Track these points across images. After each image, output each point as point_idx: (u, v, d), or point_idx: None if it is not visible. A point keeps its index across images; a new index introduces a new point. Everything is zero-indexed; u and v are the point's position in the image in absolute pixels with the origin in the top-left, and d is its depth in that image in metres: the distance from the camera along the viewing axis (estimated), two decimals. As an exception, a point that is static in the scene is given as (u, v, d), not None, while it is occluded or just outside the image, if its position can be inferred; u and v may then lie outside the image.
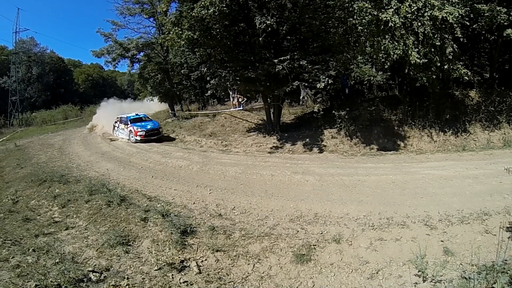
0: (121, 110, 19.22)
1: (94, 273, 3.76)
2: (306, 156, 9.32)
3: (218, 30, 9.70)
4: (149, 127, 13.97)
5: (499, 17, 7.77)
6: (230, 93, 16.41)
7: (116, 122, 15.49)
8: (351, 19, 8.29)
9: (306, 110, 13.46)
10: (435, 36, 7.44)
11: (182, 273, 3.97)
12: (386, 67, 9.44)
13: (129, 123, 14.31)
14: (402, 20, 7.41)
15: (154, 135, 13.77)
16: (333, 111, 10.40)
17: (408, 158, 8.27)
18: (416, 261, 3.70)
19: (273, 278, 4.03)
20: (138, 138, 13.42)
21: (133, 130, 13.68)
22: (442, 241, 4.32)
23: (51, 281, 3.44)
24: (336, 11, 9.25)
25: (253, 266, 4.24)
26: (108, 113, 19.38)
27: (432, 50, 7.61)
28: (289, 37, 10.72)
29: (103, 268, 3.94)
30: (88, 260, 4.15)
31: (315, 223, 5.08)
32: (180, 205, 6.05)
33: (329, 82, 9.41)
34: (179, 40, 9.28)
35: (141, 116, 15.18)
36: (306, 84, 10.20)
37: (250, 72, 9.86)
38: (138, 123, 14.23)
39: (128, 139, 14.05)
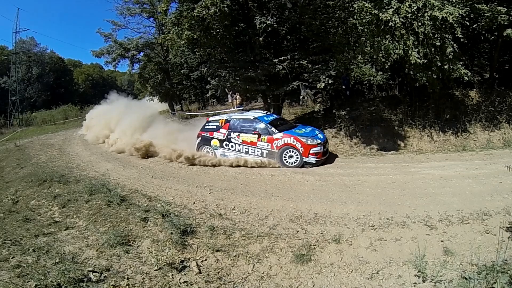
0: (126, 111, 14.01)
1: (94, 273, 3.76)
2: (306, 156, 9.30)
3: (218, 30, 9.70)
4: (321, 136, 8.20)
5: (499, 17, 7.77)
6: (228, 94, 16.40)
7: (210, 130, 8.77)
8: (351, 19, 8.30)
9: (306, 110, 13.46)
10: (435, 36, 7.44)
11: (182, 273, 3.97)
12: (386, 67, 9.42)
13: (270, 129, 8.05)
14: (402, 20, 7.41)
15: (327, 152, 8.34)
16: (333, 111, 10.40)
17: (408, 158, 8.28)
18: (416, 261, 3.70)
19: (273, 278, 4.03)
20: (313, 160, 7.63)
21: (299, 145, 7.62)
22: (442, 241, 4.32)
23: (51, 281, 3.44)
24: (336, 11, 9.25)
25: (253, 266, 4.24)
26: (119, 112, 13.82)
27: (432, 50, 7.61)
28: (289, 37, 10.74)
29: (103, 268, 3.94)
30: (88, 260, 4.15)
31: (315, 223, 5.08)
32: (180, 205, 6.05)
33: (329, 82, 9.44)
34: (179, 40, 9.29)
35: (275, 116, 9.03)
36: (306, 84, 10.22)
37: (250, 72, 9.87)
38: (292, 130, 8.17)
39: (267, 162, 7.92)
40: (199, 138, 9.02)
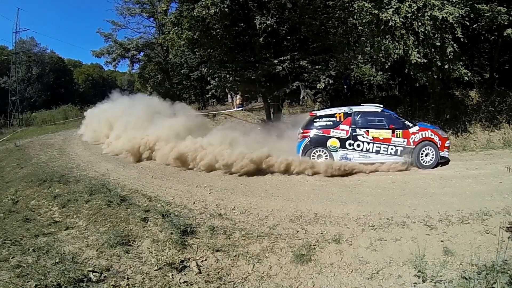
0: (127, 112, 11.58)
1: (94, 273, 3.75)
2: (306, 156, 9.29)
3: (218, 30, 9.70)
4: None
5: (499, 17, 7.77)
6: (229, 94, 16.40)
7: (323, 127, 7.19)
8: (351, 19, 8.31)
9: (306, 110, 13.46)
10: (436, 36, 7.45)
11: (182, 273, 3.97)
12: (386, 67, 9.43)
13: (405, 122, 7.04)
14: (402, 20, 7.42)
15: None
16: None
17: (408, 158, 8.25)
18: (416, 261, 3.69)
19: (273, 278, 4.03)
20: (446, 154, 7.03)
21: (437, 139, 6.88)
22: (442, 241, 4.32)
23: (51, 281, 3.44)
24: (336, 11, 9.27)
25: (253, 266, 4.24)
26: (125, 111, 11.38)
27: (433, 50, 7.62)
28: (289, 37, 10.74)
29: (103, 268, 3.94)
30: (88, 260, 4.15)
31: (315, 223, 5.08)
32: (180, 205, 6.05)
33: (329, 82, 9.44)
34: (179, 40, 9.30)
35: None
36: (306, 84, 10.22)
37: (251, 72, 9.86)
38: (422, 123, 7.45)
39: (403, 162, 6.83)
40: (306, 139, 7.22)
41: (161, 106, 11.46)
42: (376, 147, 6.94)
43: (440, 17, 7.14)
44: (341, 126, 7.11)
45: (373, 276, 3.92)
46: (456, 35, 7.38)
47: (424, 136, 6.85)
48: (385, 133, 6.91)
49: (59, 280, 3.45)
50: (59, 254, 4.14)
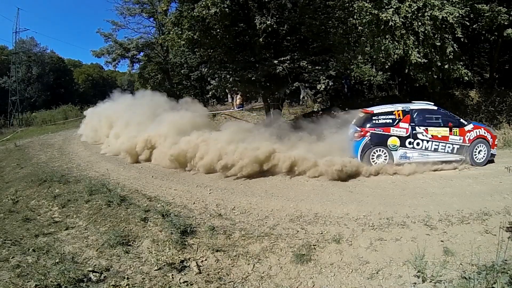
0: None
1: (94, 273, 3.75)
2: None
3: (218, 31, 9.70)
4: None
5: (499, 17, 7.78)
6: (229, 94, 16.41)
7: (383, 125, 6.91)
8: (351, 19, 8.31)
9: (306, 110, 13.47)
10: (436, 36, 7.45)
11: (182, 273, 3.97)
12: (386, 67, 9.44)
13: (460, 120, 7.10)
14: (402, 20, 7.42)
15: None
16: (332, 112, 10.40)
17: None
18: (416, 261, 3.69)
19: (273, 278, 4.03)
20: (495, 151, 7.28)
21: (489, 136, 7.10)
22: (442, 241, 4.33)
23: (51, 281, 3.44)
24: (336, 11, 9.26)
25: (253, 266, 4.24)
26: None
27: (433, 50, 7.62)
28: (289, 37, 10.73)
29: (103, 268, 3.94)
30: (88, 260, 4.15)
31: (315, 223, 5.08)
32: (180, 205, 6.05)
33: (329, 84, 9.42)
34: (179, 40, 9.29)
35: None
36: (306, 85, 10.22)
37: (251, 73, 9.86)
38: (472, 121, 7.56)
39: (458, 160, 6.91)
40: (365, 138, 6.89)
41: (164, 102, 10.88)
42: (435, 145, 6.85)
43: (440, 17, 7.14)
44: (401, 124, 6.90)
45: (373, 276, 3.92)
46: (456, 35, 7.38)
47: (478, 134, 6.95)
48: (443, 131, 6.86)
49: (59, 280, 3.45)
50: (59, 254, 4.13)
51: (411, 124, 6.90)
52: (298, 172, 6.98)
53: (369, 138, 6.89)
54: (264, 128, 8.73)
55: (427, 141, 6.85)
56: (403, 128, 6.88)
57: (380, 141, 6.87)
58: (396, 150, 6.86)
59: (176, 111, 9.77)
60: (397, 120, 6.93)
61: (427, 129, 6.88)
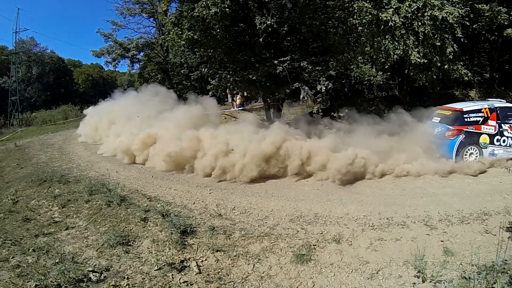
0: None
1: (94, 273, 3.76)
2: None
3: (218, 31, 9.69)
4: None
5: (499, 17, 7.79)
6: (229, 94, 16.40)
7: (474, 123, 6.87)
8: (351, 19, 8.32)
9: (306, 110, 13.47)
10: (435, 36, 7.45)
11: (182, 273, 3.97)
12: (386, 67, 9.45)
13: None
14: (402, 20, 7.43)
15: None
16: (332, 112, 10.41)
17: (408, 158, 8.24)
18: (416, 262, 3.69)
19: (273, 278, 4.03)
20: None
21: None
22: (442, 241, 4.33)
23: (51, 281, 3.44)
24: (336, 11, 9.26)
25: (253, 266, 4.24)
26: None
27: (432, 50, 7.62)
28: (289, 38, 10.72)
29: (103, 268, 3.94)
30: (88, 260, 4.15)
31: (315, 223, 5.08)
32: (180, 205, 6.05)
33: (329, 85, 9.41)
34: (179, 40, 9.28)
35: None
36: (306, 86, 10.21)
37: (251, 73, 9.85)
38: None
39: None
40: (460, 136, 6.82)
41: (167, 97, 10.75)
42: None
43: (440, 17, 7.14)
44: (490, 122, 6.95)
45: (373, 276, 3.92)
46: (456, 35, 7.38)
47: None
48: None
49: (59, 280, 3.45)
50: (59, 254, 4.14)
51: (498, 121, 6.96)
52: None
53: (464, 136, 6.83)
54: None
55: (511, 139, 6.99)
56: (491, 126, 6.94)
57: (472, 139, 6.86)
58: (486, 147, 6.90)
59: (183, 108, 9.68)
60: (487, 118, 6.95)
61: (511, 126, 7.00)
